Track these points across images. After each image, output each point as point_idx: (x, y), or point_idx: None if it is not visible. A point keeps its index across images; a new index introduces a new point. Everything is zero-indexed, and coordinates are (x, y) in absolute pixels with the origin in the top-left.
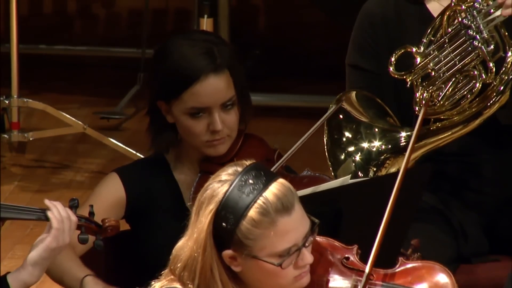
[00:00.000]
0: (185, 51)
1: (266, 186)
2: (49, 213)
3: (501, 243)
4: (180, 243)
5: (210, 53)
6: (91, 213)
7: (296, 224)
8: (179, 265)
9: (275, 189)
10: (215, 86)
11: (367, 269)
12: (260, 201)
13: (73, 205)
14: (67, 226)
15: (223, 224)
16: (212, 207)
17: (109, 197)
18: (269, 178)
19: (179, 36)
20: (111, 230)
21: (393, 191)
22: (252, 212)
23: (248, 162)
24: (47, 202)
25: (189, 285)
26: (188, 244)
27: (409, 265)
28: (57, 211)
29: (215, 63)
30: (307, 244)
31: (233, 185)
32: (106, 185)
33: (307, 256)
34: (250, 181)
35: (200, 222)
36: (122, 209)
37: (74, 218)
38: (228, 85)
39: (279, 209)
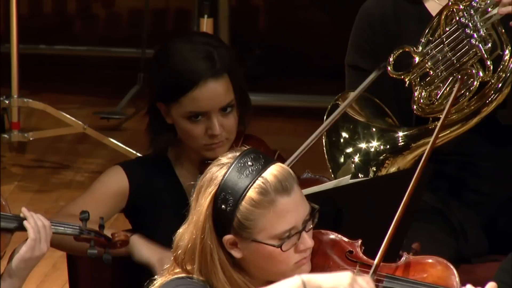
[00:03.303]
0: (185, 55)
1: (265, 167)
2: (25, 223)
3: (500, 243)
4: (181, 229)
5: (210, 57)
6: (101, 226)
7: (295, 206)
8: (179, 252)
9: (274, 170)
10: (214, 91)
11: (375, 262)
12: (259, 181)
13: (84, 218)
14: (44, 236)
15: (223, 206)
16: (211, 189)
17: (112, 186)
18: (268, 161)
19: (179, 38)
20: (120, 244)
21: (408, 189)
22: (252, 193)
23: (246, 148)
24: (24, 210)
25: (190, 269)
26: (188, 229)
27: (413, 260)
28: (34, 221)
29: (214, 68)
30: (307, 229)
31: (231, 167)
32: (110, 176)
33: (308, 240)
34: (249, 163)
35: (200, 205)
36: (123, 200)
37: (48, 225)
38: (227, 90)
39: (279, 189)
